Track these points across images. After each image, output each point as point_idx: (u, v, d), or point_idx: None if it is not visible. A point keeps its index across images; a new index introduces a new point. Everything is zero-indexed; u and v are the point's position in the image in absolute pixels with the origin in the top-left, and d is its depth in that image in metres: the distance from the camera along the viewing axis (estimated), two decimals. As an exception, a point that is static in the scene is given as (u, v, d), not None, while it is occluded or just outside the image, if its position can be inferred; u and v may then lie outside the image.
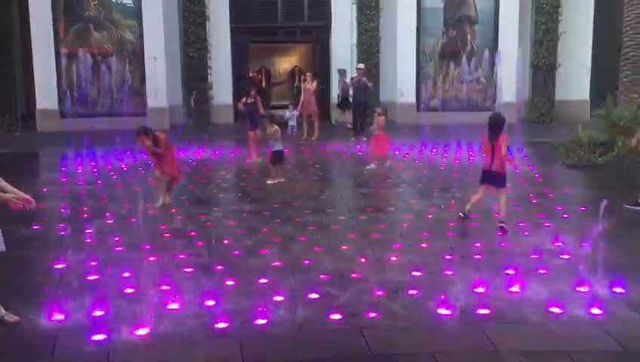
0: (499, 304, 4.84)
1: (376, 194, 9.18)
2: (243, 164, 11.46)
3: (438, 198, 8.55)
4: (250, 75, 20.28)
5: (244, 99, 11.83)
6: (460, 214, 7.26)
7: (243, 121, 11.68)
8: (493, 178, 7.05)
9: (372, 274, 5.50)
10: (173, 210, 7.92)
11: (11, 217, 6.92)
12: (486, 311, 4.67)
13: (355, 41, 17.30)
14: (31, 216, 7.61)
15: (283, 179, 9.58)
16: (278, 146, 9.65)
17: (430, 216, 7.62)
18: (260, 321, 4.50)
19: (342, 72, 16.39)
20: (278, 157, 9.68)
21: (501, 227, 6.83)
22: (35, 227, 7.15)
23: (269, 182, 9.46)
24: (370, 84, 15.02)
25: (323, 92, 17.12)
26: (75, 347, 4.16)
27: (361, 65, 15.48)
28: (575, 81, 17.50)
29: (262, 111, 11.92)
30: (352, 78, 15.21)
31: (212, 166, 11.62)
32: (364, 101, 14.78)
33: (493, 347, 4.13)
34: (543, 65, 17.14)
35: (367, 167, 10.49)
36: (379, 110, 11.30)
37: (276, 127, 9.71)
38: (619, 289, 5.05)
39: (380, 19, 17.17)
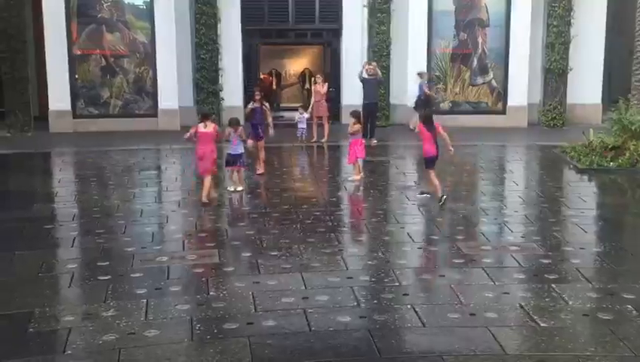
0: (507, 307, 4.83)
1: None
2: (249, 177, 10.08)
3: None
4: (261, 76, 20.32)
5: (250, 105, 10.76)
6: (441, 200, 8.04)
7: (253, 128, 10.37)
8: (436, 160, 8.29)
9: (380, 275, 5.51)
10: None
11: (25, 216, 6.98)
12: (495, 314, 4.67)
13: (366, 43, 17.29)
14: (45, 215, 7.71)
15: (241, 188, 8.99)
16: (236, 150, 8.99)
17: (440, 218, 7.61)
18: (270, 322, 4.52)
19: (422, 74, 16.27)
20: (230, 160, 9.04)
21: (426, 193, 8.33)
22: (48, 226, 7.22)
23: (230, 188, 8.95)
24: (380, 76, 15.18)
25: (333, 94, 17.11)
26: (86, 345, 4.20)
27: (374, 63, 15.40)
28: (587, 85, 17.38)
29: (270, 119, 10.73)
30: (369, 75, 14.95)
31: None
32: (375, 101, 14.72)
33: (502, 350, 4.13)
34: (554, 69, 17.07)
35: (351, 178, 9.94)
36: (353, 114, 10.13)
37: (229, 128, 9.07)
38: (630, 294, 5.02)
39: (391, 22, 17.17)
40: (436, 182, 8.16)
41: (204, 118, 8.69)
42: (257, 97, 10.71)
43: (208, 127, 8.40)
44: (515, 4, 16.84)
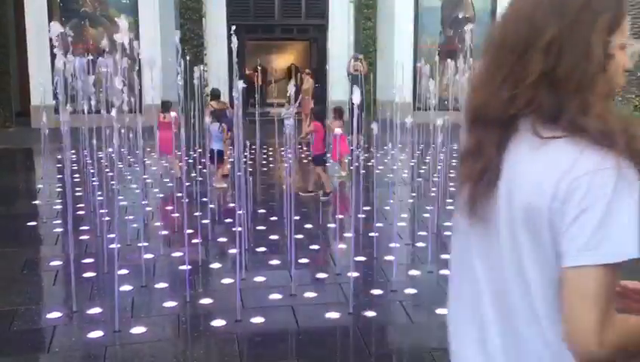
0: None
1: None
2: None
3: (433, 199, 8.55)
4: (247, 72, 20.23)
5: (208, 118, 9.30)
6: (324, 197, 8.30)
7: None
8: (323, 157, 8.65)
9: (369, 272, 5.50)
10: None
11: (7, 213, 6.88)
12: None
13: (352, 39, 17.30)
14: (28, 212, 7.60)
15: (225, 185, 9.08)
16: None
17: (426, 215, 7.61)
18: (258, 319, 4.49)
19: None
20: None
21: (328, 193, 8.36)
22: (31, 223, 7.12)
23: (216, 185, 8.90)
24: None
25: (319, 90, 17.10)
26: (72, 343, 4.14)
27: (361, 56, 15.35)
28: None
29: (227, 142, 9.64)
30: (354, 70, 14.89)
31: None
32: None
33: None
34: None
35: (337, 174, 9.93)
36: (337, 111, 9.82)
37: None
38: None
39: (378, 18, 17.18)
40: (324, 178, 8.49)
41: (163, 110, 10.19)
42: (212, 108, 10.06)
43: (167, 118, 9.66)
44: (501, 1, 16.94)
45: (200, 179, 9.72)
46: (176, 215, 7.54)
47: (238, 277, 4.77)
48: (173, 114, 9.22)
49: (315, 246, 6.22)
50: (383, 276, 5.40)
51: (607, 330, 1.20)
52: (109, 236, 6.58)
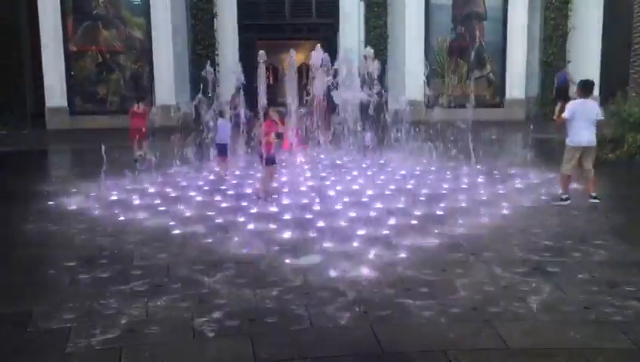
0: (509, 300, 4.82)
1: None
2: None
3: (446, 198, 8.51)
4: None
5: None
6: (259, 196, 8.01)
7: None
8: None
9: (382, 270, 5.49)
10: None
11: (23, 214, 6.93)
12: (497, 308, 4.66)
13: (363, 38, 17.27)
14: (43, 212, 7.68)
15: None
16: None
17: (440, 212, 7.59)
18: (272, 318, 4.50)
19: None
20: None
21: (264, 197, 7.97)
22: (46, 223, 7.19)
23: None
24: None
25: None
26: (87, 343, 4.17)
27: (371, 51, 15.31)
28: (584, 77, 17.35)
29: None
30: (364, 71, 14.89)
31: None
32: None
33: (505, 344, 4.11)
34: (552, 62, 17.04)
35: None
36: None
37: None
38: (632, 286, 5.02)
39: (388, 16, 17.14)
40: (268, 184, 8.26)
41: (138, 100, 11.73)
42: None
43: (139, 108, 11.20)
44: (512, -2, 16.85)
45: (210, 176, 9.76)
46: (188, 214, 7.58)
47: (251, 274, 4.78)
48: (142, 105, 11.19)
49: (328, 245, 6.22)
50: (395, 274, 5.38)
51: None
52: (123, 236, 6.64)
